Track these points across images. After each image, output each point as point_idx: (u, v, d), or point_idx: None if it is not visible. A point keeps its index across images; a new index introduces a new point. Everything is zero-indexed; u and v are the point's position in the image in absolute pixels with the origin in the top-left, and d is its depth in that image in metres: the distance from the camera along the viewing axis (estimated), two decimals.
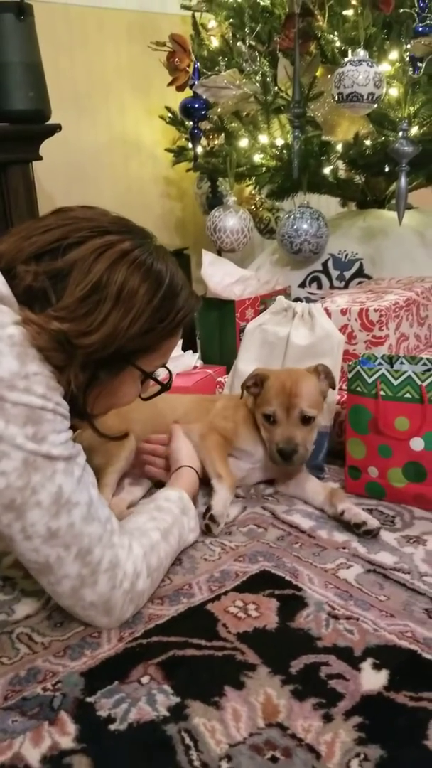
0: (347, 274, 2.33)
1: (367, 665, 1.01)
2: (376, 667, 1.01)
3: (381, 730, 0.90)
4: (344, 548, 1.33)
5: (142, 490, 1.57)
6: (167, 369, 1.23)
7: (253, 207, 3.03)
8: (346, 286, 2.32)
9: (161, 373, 1.21)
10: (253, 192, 2.87)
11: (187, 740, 0.90)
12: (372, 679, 0.99)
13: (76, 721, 0.94)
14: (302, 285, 2.39)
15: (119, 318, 1.00)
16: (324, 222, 2.28)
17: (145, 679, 1.01)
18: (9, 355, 0.93)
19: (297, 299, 2.39)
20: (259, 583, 1.23)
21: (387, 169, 2.32)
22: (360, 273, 2.31)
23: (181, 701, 0.96)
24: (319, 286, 2.36)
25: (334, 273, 2.35)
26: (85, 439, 1.49)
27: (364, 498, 1.51)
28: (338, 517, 1.41)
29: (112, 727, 0.92)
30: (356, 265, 2.32)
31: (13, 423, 0.93)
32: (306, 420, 1.44)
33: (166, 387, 1.23)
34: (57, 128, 1.88)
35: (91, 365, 1.02)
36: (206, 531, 1.37)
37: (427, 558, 1.28)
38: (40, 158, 1.91)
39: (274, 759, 0.86)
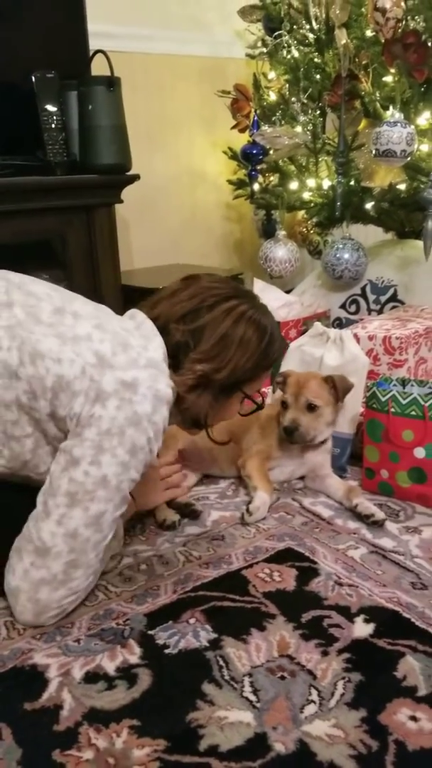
0: (383, 299, 2.62)
1: (359, 620, 1.34)
2: (366, 621, 1.34)
3: (363, 663, 1.23)
4: (355, 534, 1.65)
5: (195, 479, 1.92)
6: (261, 395, 1.60)
7: (304, 230, 3.35)
8: (381, 309, 2.61)
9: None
10: (304, 216, 3.19)
11: (221, 662, 1.24)
12: (362, 629, 1.32)
13: (140, 646, 1.29)
14: (342, 306, 2.70)
15: (239, 358, 1.39)
16: (363, 252, 2.59)
17: (192, 621, 1.35)
18: (149, 402, 1.30)
19: (338, 318, 2.71)
20: (284, 557, 1.56)
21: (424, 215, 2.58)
22: (394, 298, 2.61)
23: (218, 636, 1.31)
24: (358, 308, 2.67)
25: (371, 297, 2.65)
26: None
27: (377, 495, 1.82)
28: (353, 510, 1.73)
29: (166, 651, 1.27)
30: (391, 291, 2.62)
31: (122, 446, 1.29)
32: (311, 407, 1.77)
33: (260, 406, 1.57)
34: (136, 178, 2.24)
35: (217, 391, 1.42)
36: (241, 519, 1.71)
37: (421, 544, 1.59)
38: (121, 201, 2.28)
39: (282, 678, 1.20)
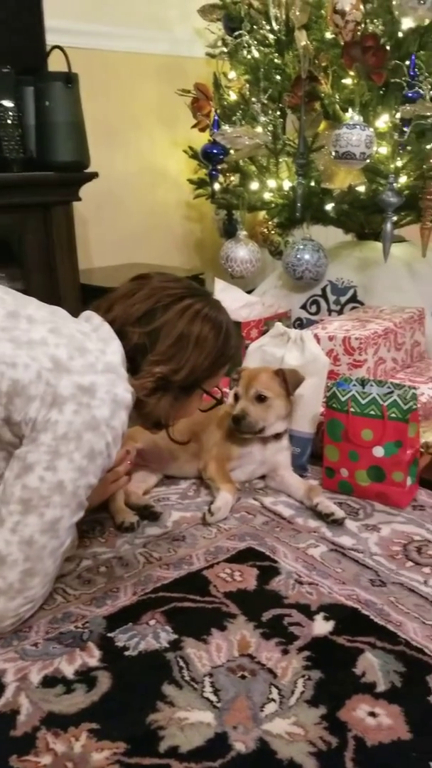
0: (343, 299, 2.65)
1: (319, 617, 1.35)
2: (326, 618, 1.34)
3: (323, 661, 1.24)
4: (315, 532, 1.66)
5: (155, 479, 1.91)
6: (220, 390, 1.62)
7: (265, 230, 3.36)
8: (341, 310, 2.64)
9: None
10: (266, 217, 3.20)
11: (181, 663, 1.23)
12: (322, 626, 1.32)
13: (100, 649, 1.27)
14: (303, 307, 2.71)
15: (197, 357, 1.40)
16: (324, 254, 2.61)
17: (152, 622, 1.34)
18: (107, 406, 1.29)
19: (299, 319, 2.72)
20: (245, 556, 1.56)
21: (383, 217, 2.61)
22: (354, 299, 2.63)
23: (178, 637, 1.30)
24: (318, 309, 2.68)
25: (332, 298, 2.67)
26: None
27: (337, 494, 1.83)
28: (313, 508, 1.74)
29: (126, 653, 1.26)
30: (351, 292, 2.64)
31: (79, 451, 1.27)
32: (260, 398, 1.79)
33: (220, 401, 1.59)
34: (94, 175, 2.22)
35: (176, 391, 1.42)
36: (203, 519, 1.70)
37: (379, 542, 1.61)
38: (79, 199, 2.26)
39: (243, 677, 1.20)
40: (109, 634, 1.31)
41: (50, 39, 2.32)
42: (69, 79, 2.08)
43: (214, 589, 1.45)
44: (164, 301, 1.40)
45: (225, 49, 2.82)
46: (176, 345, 1.38)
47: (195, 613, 1.37)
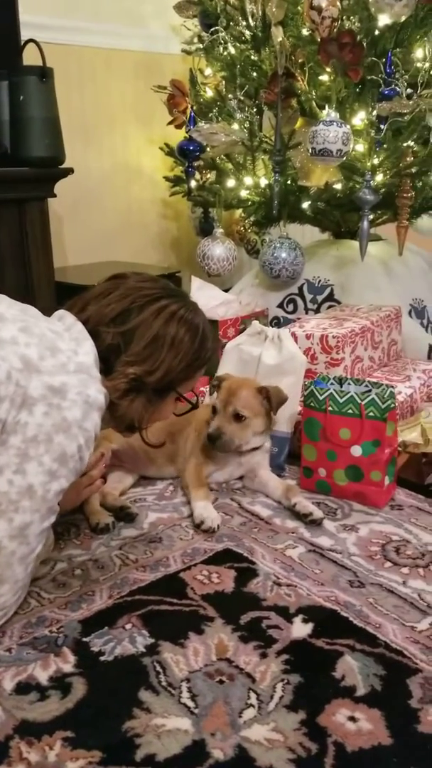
0: (319, 298, 2.64)
1: (298, 620, 1.33)
2: (305, 621, 1.33)
3: (302, 664, 1.22)
4: (293, 533, 1.64)
5: (131, 480, 1.88)
6: (195, 394, 1.60)
7: (241, 228, 3.34)
8: (318, 309, 2.63)
9: None
10: (242, 215, 3.18)
11: (158, 668, 1.21)
12: (300, 629, 1.31)
13: (75, 654, 1.24)
14: (280, 306, 2.70)
15: (172, 359, 1.36)
16: (301, 252, 2.59)
17: (128, 626, 1.32)
18: (78, 408, 1.25)
19: (276, 317, 2.71)
20: (222, 558, 1.54)
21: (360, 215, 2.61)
22: (331, 298, 2.63)
23: (155, 642, 1.28)
24: (295, 308, 2.67)
25: (308, 296, 2.66)
26: None
27: (315, 493, 1.82)
28: (291, 509, 1.72)
29: (102, 658, 1.24)
30: (327, 291, 2.63)
31: (49, 454, 1.24)
32: (238, 417, 1.76)
33: (195, 406, 1.56)
34: (69, 171, 2.18)
35: (150, 393, 1.38)
36: (197, 527, 1.66)
37: (357, 542, 1.60)
38: (54, 195, 2.22)
39: (221, 682, 1.18)
40: (84, 639, 1.28)
41: (25, 34, 2.27)
42: (44, 74, 2.04)
43: (192, 591, 1.42)
44: (140, 302, 1.37)
45: (201, 46, 2.79)
46: (151, 346, 1.36)
47: (172, 617, 1.35)
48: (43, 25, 2.67)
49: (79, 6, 2.87)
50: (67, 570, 1.50)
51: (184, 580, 1.46)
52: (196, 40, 2.90)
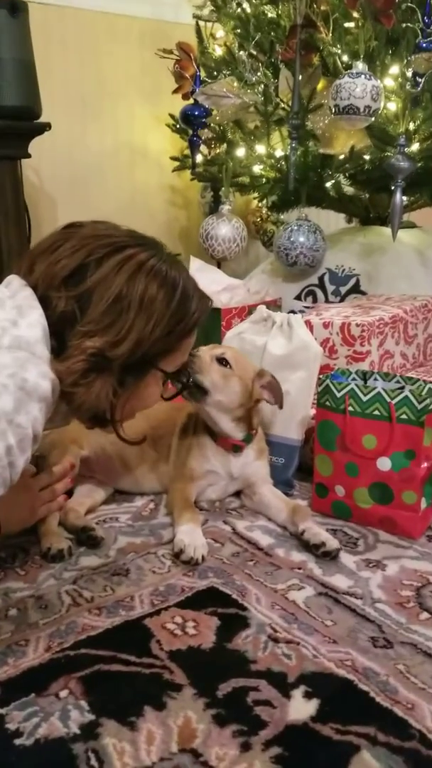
0: (343, 290, 2.28)
1: (298, 693, 0.96)
2: (308, 695, 0.95)
3: (300, 762, 0.84)
4: (299, 569, 1.27)
5: (104, 495, 1.53)
6: (186, 371, 1.29)
7: (258, 219, 3.00)
8: (341, 302, 2.26)
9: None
10: (259, 205, 2.84)
11: (93, 761, 0.85)
12: (300, 708, 0.93)
13: None
14: (298, 298, 2.34)
15: (143, 324, 1.05)
16: (321, 236, 2.24)
17: (63, 693, 0.96)
18: (9, 395, 0.94)
19: (291, 312, 2.34)
20: (204, 599, 1.17)
21: (391, 186, 2.27)
22: (356, 289, 2.27)
23: (95, 719, 0.91)
24: (315, 300, 2.31)
25: (330, 288, 2.30)
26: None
27: (331, 517, 1.45)
28: (299, 536, 1.35)
29: (17, 741, 0.88)
30: (353, 281, 2.27)
31: None
32: (221, 361, 1.44)
33: (186, 386, 1.29)
34: (47, 126, 1.86)
35: (119, 372, 1.06)
36: (176, 556, 1.30)
37: (384, 584, 1.21)
38: (28, 156, 1.90)
39: None
40: (0, 710, 0.92)
41: None
42: (15, 7, 1.72)
43: (157, 646, 1.05)
44: (98, 253, 1.04)
45: (212, 8, 2.47)
46: (113, 309, 1.02)
47: (125, 682, 0.98)
48: None
49: None
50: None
51: (150, 629, 1.10)
52: (208, 4, 2.57)
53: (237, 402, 1.44)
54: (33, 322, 1.01)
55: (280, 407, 1.46)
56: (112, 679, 0.99)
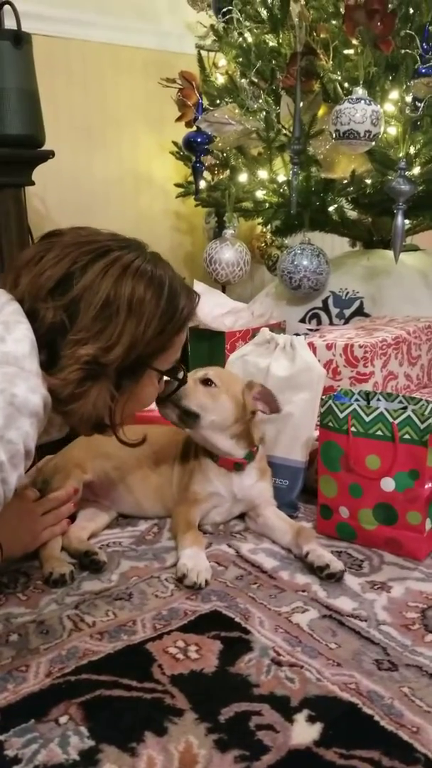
0: (347, 312, 2.28)
1: (301, 717, 0.94)
2: (311, 719, 0.93)
3: None
4: (303, 591, 1.25)
5: (107, 519, 1.52)
6: (182, 368, 1.28)
7: (263, 243, 3.02)
8: (345, 324, 2.27)
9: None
10: (263, 229, 2.86)
11: None
12: (303, 732, 0.91)
13: None
14: (302, 320, 2.35)
15: (134, 326, 1.05)
16: (325, 259, 2.25)
17: (63, 719, 0.94)
18: (0, 412, 0.94)
19: (296, 334, 2.35)
20: (207, 623, 1.16)
21: (393, 209, 2.28)
22: (360, 311, 2.27)
23: (95, 745, 0.90)
24: (319, 323, 2.32)
25: (334, 310, 2.30)
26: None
27: (335, 540, 1.43)
28: (303, 559, 1.34)
29: None
30: (356, 304, 2.28)
31: None
32: (205, 382, 1.42)
33: (183, 381, 1.30)
34: (50, 154, 1.89)
35: (115, 377, 1.06)
36: (179, 580, 1.28)
37: (389, 605, 1.20)
38: (32, 183, 1.92)
39: None
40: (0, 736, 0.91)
41: (25, 25, 1.99)
42: (18, 39, 1.76)
43: (158, 670, 1.04)
44: (82, 260, 1.04)
45: (215, 38, 2.51)
46: (102, 314, 1.03)
47: (126, 707, 0.97)
48: (43, 15, 2.43)
49: None
50: (0, 634, 1.13)
51: (151, 653, 1.08)
52: (210, 34, 2.62)
53: (231, 418, 1.44)
54: (20, 337, 1.01)
55: (277, 413, 1.45)
56: (113, 704, 0.97)
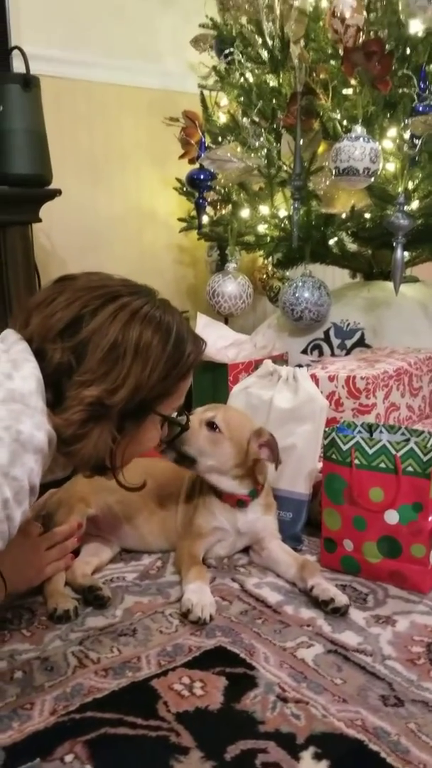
0: (348, 343, 2.30)
1: (307, 754, 0.94)
2: (317, 756, 0.93)
3: None
4: (308, 626, 1.25)
5: (111, 553, 1.52)
6: (184, 411, 1.30)
7: (265, 276, 3.05)
8: (347, 355, 2.28)
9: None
10: (265, 262, 2.90)
11: None
12: None
13: None
14: (304, 352, 2.36)
15: (140, 370, 1.07)
16: (326, 291, 2.27)
17: (68, 758, 0.94)
18: (4, 448, 0.95)
19: (298, 365, 2.36)
20: (212, 659, 1.16)
21: (392, 242, 2.31)
22: (361, 342, 2.28)
23: None
24: (321, 354, 2.33)
25: (336, 341, 2.32)
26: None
27: (340, 573, 1.43)
28: (308, 593, 1.34)
29: None
30: (358, 335, 2.29)
31: None
32: (210, 425, 1.43)
33: (185, 427, 1.32)
34: (57, 193, 1.92)
35: (118, 419, 1.08)
36: (184, 615, 1.28)
37: (394, 640, 1.19)
38: (39, 220, 1.96)
39: None
40: None
41: (33, 67, 2.05)
42: (27, 82, 1.81)
43: (164, 707, 1.04)
44: (92, 305, 1.07)
45: (217, 78, 2.57)
46: (109, 357, 1.05)
47: (130, 745, 0.97)
48: (50, 57, 2.49)
49: (89, 40, 2.69)
50: (5, 672, 1.14)
51: (156, 690, 1.08)
52: (212, 74, 2.68)
53: (230, 464, 1.44)
54: (27, 375, 1.03)
55: (276, 467, 1.46)
56: (118, 743, 0.97)
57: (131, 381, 1.05)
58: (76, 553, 1.46)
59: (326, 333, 2.34)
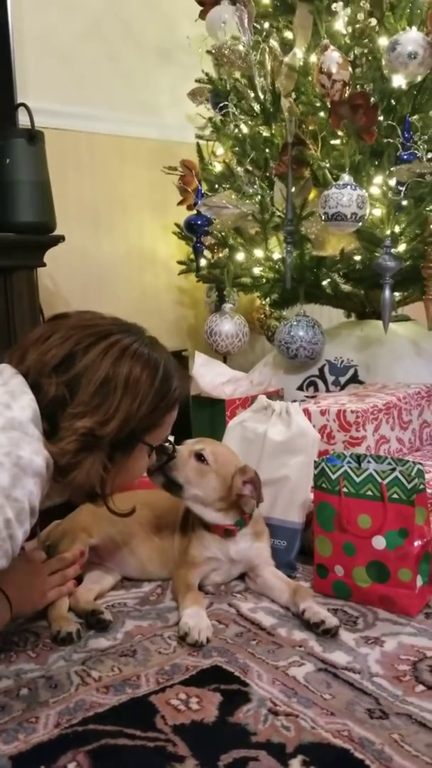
0: (342, 380, 2.39)
1: (296, 762, 0.99)
2: (305, 764, 0.98)
3: None
4: (300, 646, 1.31)
5: (112, 581, 1.58)
6: (170, 441, 1.38)
7: (262, 315, 3.16)
8: (341, 391, 2.37)
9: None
10: (263, 303, 3.01)
11: None
12: None
13: None
14: (300, 388, 2.45)
15: (129, 403, 1.16)
16: (320, 330, 2.37)
17: (71, 766, 1.00)
18: (6, 472, 1.03)
19: (294, 401, 2.45)
20: (208, 677, 1.21)
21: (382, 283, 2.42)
22: (355, 379, 2.37)
23: None
24: (316, 390, 2.42)
25: (330, 378, 2.41)
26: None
27: (332, 598, 1.49)
28: (300, 616, 1.40)
29: None
30: (351, 371, 2.39)
31: None
32: (199, 457, 1.48)
33: (171, 456, 1.40)
34: (61, 239, 2.04)
35: (109, 449, 1.15)
36: (181, 639, 1.34)
37: (382, 659, 1.25)
38: (43, 265, 2.07)
39: None
40: None
41: (37, 120, 2.19)
42: (32, 137, 1.94)
43: (161, 721, 1.10)
44: (85, 342, 1.15)
45: (212, 129, 2.72)
46: (100, 391, 1.13)
47: (130, 755, 1.02)
48: (55, 111, 2.64)
49: (91, 95, 2.86)
50: (11, 689, 1.19)
51: (155, 705, 1.14)
52: (209, 125, 2.83)
53: (214, 496, 1.50)
54: (24, 405, 1.11)
55: (257, 505, 1.52)
56: (118, 752, 1.03)
57: (121, 413, 1.14)
58: (79, 580, 1.52)
59: (321, 370, 2.43)
